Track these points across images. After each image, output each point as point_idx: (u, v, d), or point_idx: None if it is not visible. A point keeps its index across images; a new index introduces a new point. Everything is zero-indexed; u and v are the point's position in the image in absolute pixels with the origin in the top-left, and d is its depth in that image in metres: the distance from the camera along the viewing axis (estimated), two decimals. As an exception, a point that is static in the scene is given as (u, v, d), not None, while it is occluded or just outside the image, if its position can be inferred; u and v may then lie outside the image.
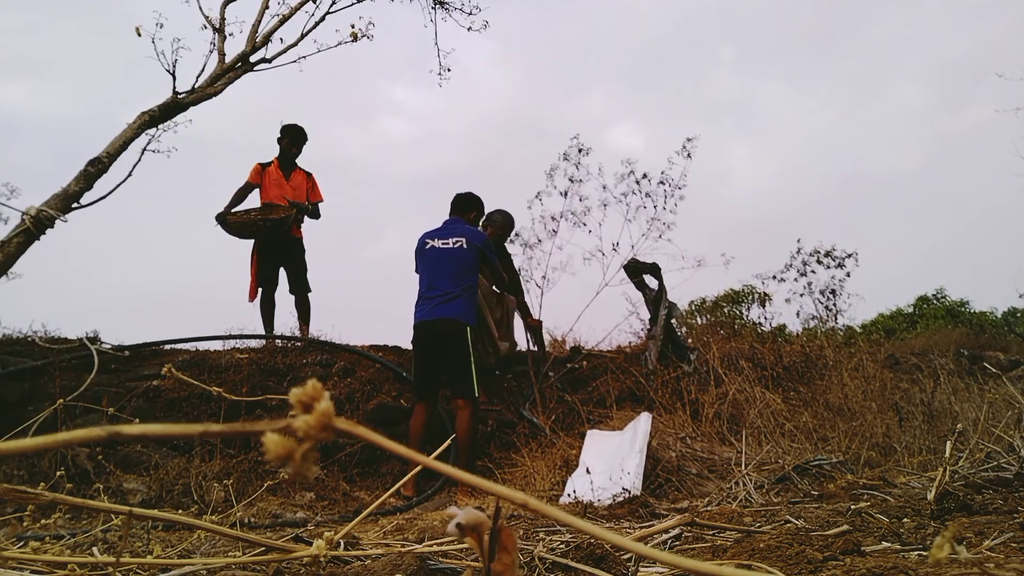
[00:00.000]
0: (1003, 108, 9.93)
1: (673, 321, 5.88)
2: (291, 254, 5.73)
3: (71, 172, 3.69)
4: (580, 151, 7.21)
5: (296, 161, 5.83)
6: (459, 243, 4.61)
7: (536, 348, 5.66)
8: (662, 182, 7.01)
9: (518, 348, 5.51)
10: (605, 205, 7.09)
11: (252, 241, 5.68)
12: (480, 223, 4.99)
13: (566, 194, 7.18)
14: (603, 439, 4.05)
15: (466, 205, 4.90)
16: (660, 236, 6.83)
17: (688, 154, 7.02)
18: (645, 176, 7.11)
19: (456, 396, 4.44)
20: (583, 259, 7.03)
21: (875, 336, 9.45)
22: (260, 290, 5.69)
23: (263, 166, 5.75)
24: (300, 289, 5.76)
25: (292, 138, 5.76)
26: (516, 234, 7.07)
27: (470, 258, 4.58)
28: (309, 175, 5.88)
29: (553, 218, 7.14)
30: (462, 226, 4.72)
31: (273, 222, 5.44)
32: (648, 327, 6.00)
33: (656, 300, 5.84)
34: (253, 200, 5.74)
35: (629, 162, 7.20)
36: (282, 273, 5.78)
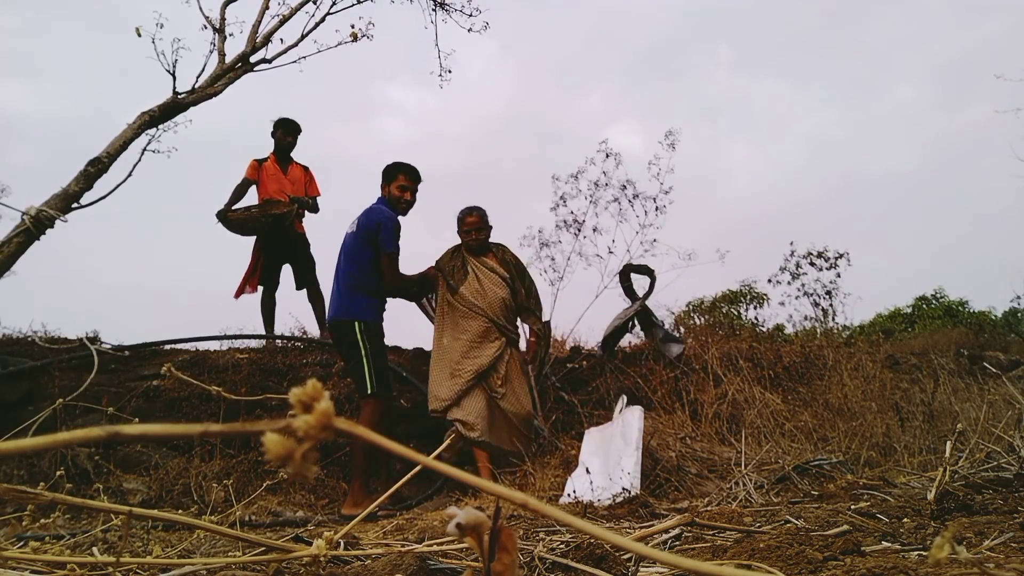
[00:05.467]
0: (1003, 109, 9.89)
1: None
2: (295, 250, 5.69)
3: (71, 172, 3.69)
4: (577, 173, 7.28)
5: (292, 155, 5.84)
6: (351, 229, 4.23)
7: (541, 350, 5.66)
8: (654, 198, 7.05)
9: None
10: (594, 203, 7.14)
11: (254, 238, 5.67)
12: (392, 189, 4.28)
13: (564, 200, 7.26)
14: (598, 434, 4.05)
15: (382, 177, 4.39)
16: (654, 241, 6.88)
17: (671, 145, 7.07)
18: (629, 181, 7.17)
19: (358, 395, 4.13)
20: (584, 260, 7.07)
21: (874, 337, 9.45)
22: (261, 289, 5.67)
23: (259, 162, 5.74)
24: (310, 283, 5.72)
25: (285, 128, 5.75)
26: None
27: (354, 244, 4.16)
28: (306, 169, 5.87)
29: (558, 243, 7.20)
30: (369, 207, 4.29)
31: (275, 217, 5.42)
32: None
33: (644, 297, 5.93)
34: (251, 197, 5.73)
35: (612, 155, 7.25)
36: (284, 272, 5.77)
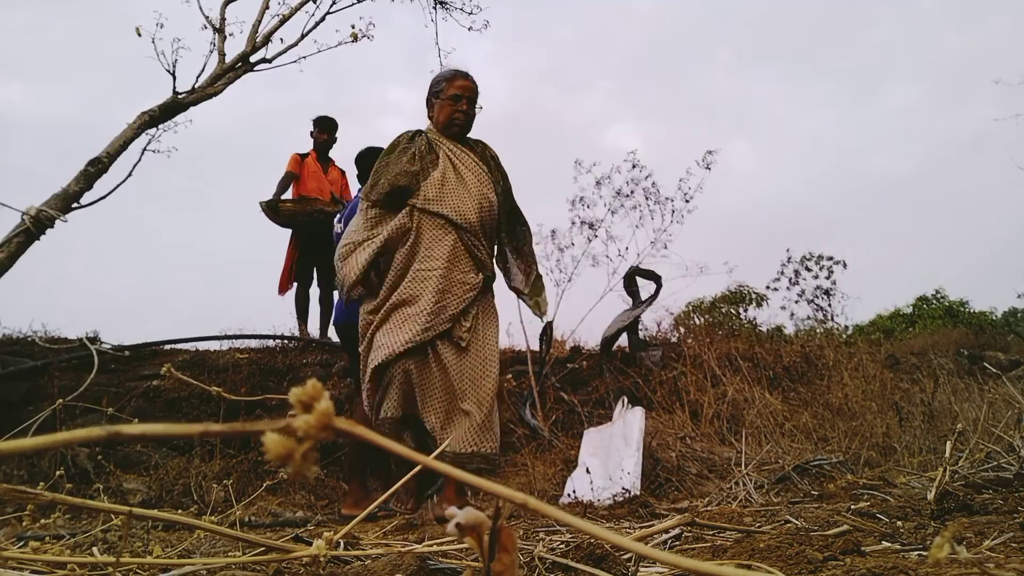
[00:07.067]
0: (1002, 114, 9.96)
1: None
2: (327, 251, 5.67)
3: (71, 172, 3.69)
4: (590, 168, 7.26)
5: (330, 156, 5.83)
6: None
7: (541, 348, 5.66)
8: (673, 200, 7.01)
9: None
10: (612, 212, 7.12)
11: (286, 239, 5.64)
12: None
13: (581, 200, 7.25)
14: (598, 434, 4.05)
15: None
16: (666, 247, 6.86)
17: (708, 166, 7.03)
18: (654, 185, 7.14)
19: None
20: (592, 260, 7.05)
21: (874, 337, 9.47)
22: (295, 285, 5.66)
23: (302, 156, 5.74)
24: (329, 287, 5.71)
25: (323, 127, 5.75)
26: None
27: None
28: (343, 173, 5.88)
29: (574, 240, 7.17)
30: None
31: (326, 214, 5.40)
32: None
33: (648, 302, 5.94)
34: (288, 192, 5.72)
35: (638, 166, 7.22)
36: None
